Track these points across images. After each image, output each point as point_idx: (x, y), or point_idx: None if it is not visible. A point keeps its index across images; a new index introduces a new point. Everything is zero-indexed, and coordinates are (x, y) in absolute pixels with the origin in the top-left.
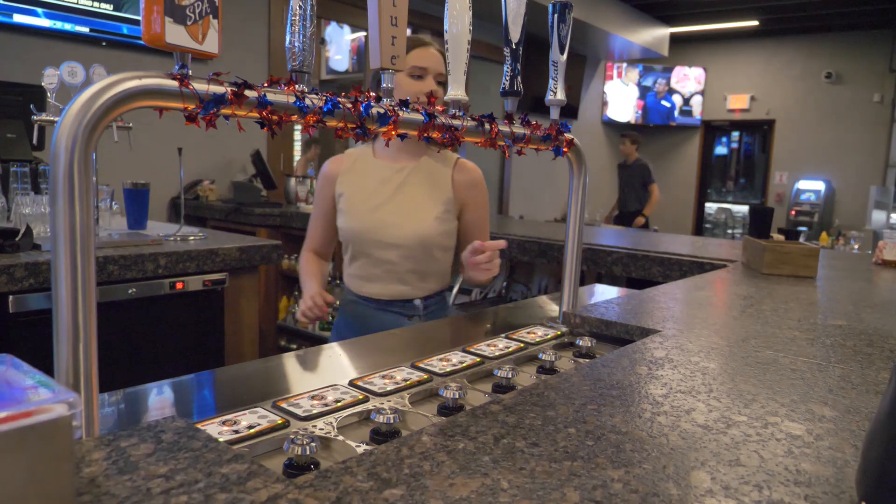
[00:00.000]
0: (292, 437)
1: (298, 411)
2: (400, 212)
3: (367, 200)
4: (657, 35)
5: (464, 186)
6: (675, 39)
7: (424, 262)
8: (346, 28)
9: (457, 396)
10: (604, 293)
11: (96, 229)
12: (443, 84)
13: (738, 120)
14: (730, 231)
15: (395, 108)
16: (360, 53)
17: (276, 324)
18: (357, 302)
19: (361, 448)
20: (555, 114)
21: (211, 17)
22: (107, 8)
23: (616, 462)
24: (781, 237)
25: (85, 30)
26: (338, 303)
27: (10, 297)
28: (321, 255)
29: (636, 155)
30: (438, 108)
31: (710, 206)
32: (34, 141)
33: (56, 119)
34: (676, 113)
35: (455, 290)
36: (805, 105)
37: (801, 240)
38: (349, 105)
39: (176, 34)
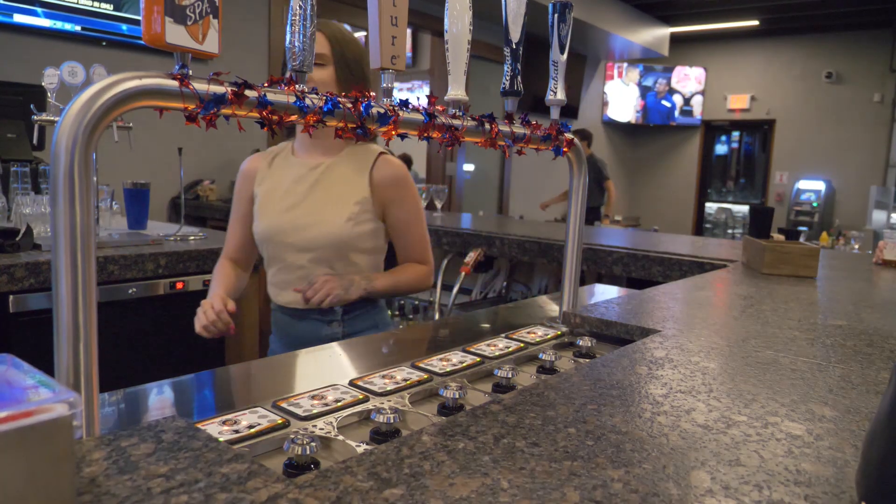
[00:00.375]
0: (292, 436)
1: (298, 411)
2: (311, 213)
3: (279, 201)
4: (657, 35)
5: (383, 184)
6: (675, 39)
7: (341, 266)
8: (347, 28)
9: (457, 396)
10: (604, 293)
11: (97, 229)
12: (323, 66)
13: (739, 120)
14: (730, 231)
15: (396, 108)
16: None
17: None
18: (277, 311)
19: (361, 448)
20: (555, 114)
21: (211, 16)
22: (107, 8)
23: (616, 462)
24: (781, 237)
25: (85, 29)
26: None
27: (11, 297)
28: (239, 265)
29: (589, 151)
30: (439, 107)
31: (711, 206)
32: (34, 141)
33: (56, 119)
34: (677, 113)
35: (455, 290)
36: (805, 105)
37: (802, 240)
38: (349, 105)
39: (176, 34)
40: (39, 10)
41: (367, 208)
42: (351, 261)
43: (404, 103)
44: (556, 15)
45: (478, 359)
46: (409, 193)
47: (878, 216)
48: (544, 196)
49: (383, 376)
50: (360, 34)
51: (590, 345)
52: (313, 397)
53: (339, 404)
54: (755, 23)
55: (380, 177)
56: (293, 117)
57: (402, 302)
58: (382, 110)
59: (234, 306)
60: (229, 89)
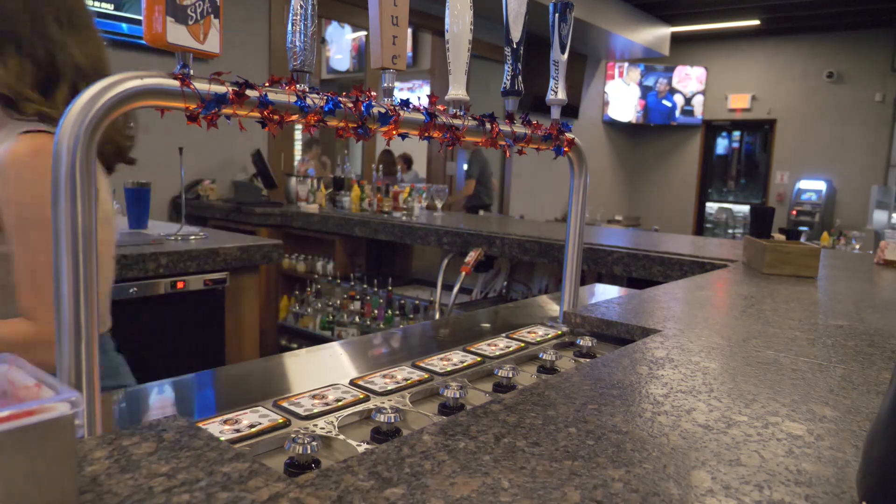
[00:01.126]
0: (293, 436)
1: (299, 410)
2: None
3: None
4: (658, 34)
5: None
6: (676, 39)
7: None
8: (347, 28)
9: (457, 396)
10: (604, 293)
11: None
12: None
13: (740, 119)
14: (731, 231)
15: (396, 108)
16: (361, 53)
17: (276, 323)
18: None
19: (362, 447)
20: (556, 113)
21: (212, 16)
22: (107, 7)
23: (617, 462)
24: (782, 237)
25: None
26: None
27: None
28: None
29: (475, 148)
30: (439, 107)
31: (711, 206)
32: None
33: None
34: (678, 112)
35: (455, 289)
36: (806, 104)
37: (803, 240)
38: (350, 105)
39: (177, 34)
40: None
41: None
42: None
43: (405, 103)
44: (556, 14)
45: (478, 358)
46: (17, 192)
47: (879, 216)
48: (545, 195)
49: (384, 376)
50: (361, 34)
51: (590, 344)
52: (314, 397)
53: (340, 404)
54: (756, 22)
55: None
56: (294, 117)
57: (403, 302)
58: (383, 110)
59: None
60: (230, 89)
